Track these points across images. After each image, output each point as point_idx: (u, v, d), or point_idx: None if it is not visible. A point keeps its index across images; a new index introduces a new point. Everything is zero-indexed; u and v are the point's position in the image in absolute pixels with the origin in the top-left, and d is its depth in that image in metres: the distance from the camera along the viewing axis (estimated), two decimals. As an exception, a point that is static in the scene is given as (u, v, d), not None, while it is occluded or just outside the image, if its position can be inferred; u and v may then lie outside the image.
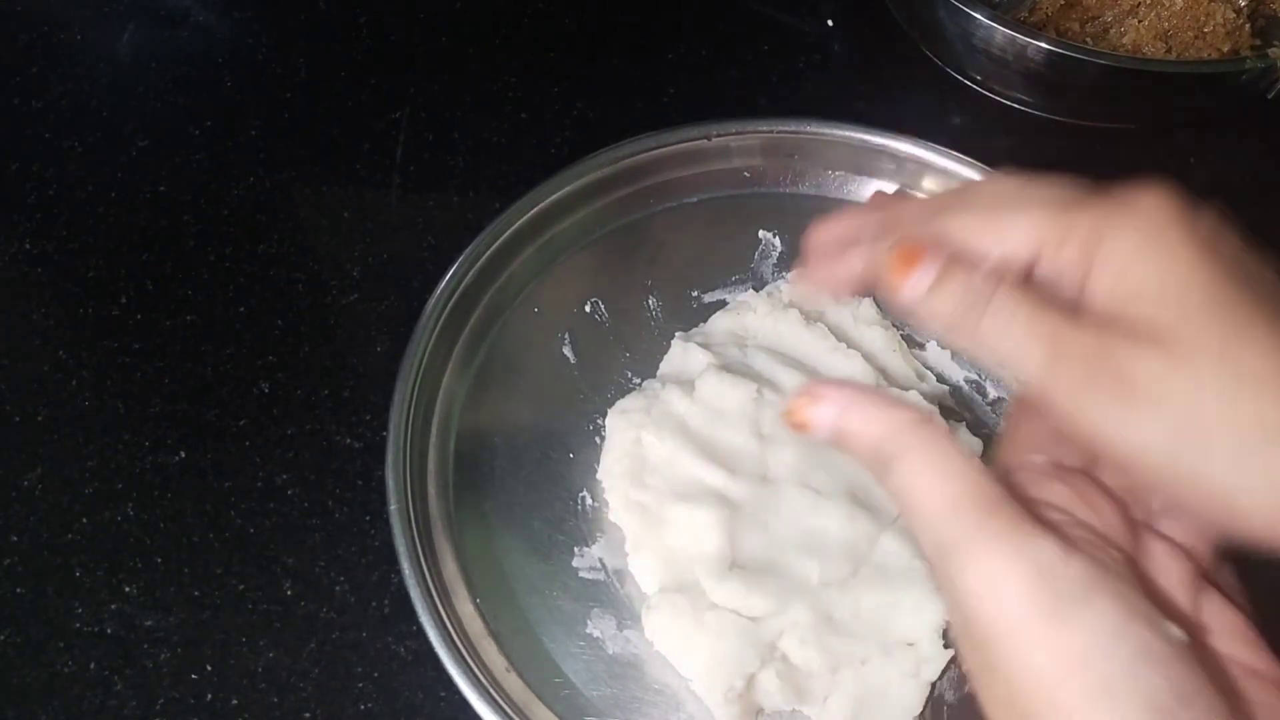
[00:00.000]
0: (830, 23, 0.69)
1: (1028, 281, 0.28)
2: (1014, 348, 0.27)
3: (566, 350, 0.54)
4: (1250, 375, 0.25)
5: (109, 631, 0.50)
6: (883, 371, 0.51)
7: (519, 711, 0.44)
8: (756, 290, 0.56)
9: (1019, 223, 0.28)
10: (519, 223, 0.55)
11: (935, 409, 0.50)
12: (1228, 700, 0.24)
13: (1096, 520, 0.28)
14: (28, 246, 0.60)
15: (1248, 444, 0.25)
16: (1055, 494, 0.28)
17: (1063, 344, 0.26)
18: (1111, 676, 0.23)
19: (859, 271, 0.32)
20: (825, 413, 0.28)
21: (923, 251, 0.29)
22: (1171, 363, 0.25)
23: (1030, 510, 0.26)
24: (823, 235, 0.34)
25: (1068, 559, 0.24)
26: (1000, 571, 0.24)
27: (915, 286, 0.29)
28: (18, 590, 0.51)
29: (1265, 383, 0.25)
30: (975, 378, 0.54)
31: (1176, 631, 0.24)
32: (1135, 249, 0.26)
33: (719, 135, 0.57)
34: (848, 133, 0.57)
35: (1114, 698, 0.23)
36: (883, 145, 0.56)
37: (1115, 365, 0.26)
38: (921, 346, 0.55)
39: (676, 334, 0.54)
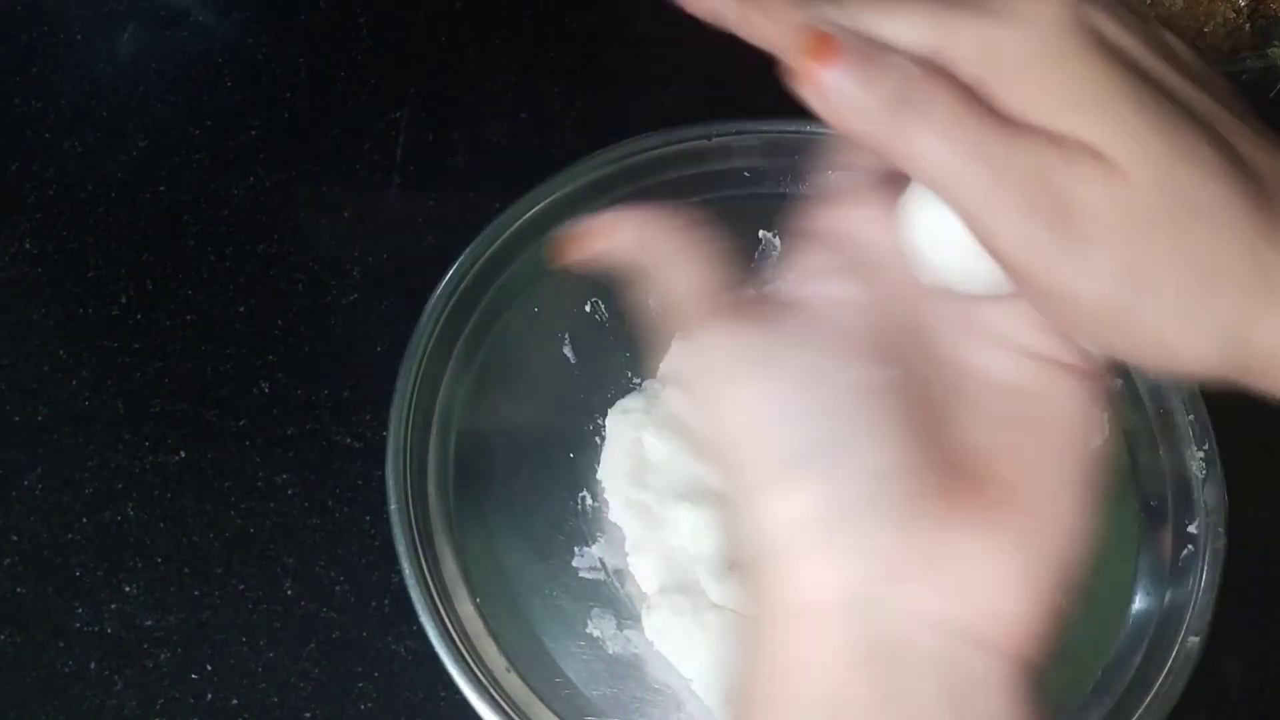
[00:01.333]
0: (830, 23, 0.68)
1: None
2: (949, 161, 0.23)
3: (566, 350, 0.54)
4: (1199, 209, 0.23)
5: (109, 631, 0.50)
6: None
7: (519, 711, 0.44)
8: (757, 290, 0.56)
9: (897, 23, 0.25)
10: (519, 223, 0.55)
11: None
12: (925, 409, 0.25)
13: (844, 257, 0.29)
14: (28, 246, 0.60)
15: (1197, 291, 0.23)
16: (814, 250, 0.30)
17: (1000, 159, 0.23)
18: (783, 431, 0.24)
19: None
20: (590, 245, 0.29)
21: (836, 42, 0.25)
22: (1113, 191, 0.23)
23: (747, 295, 0.28)
24: None
25: (754, 331, 0.26)
26: (709, 345, 0.27)
27: (833, 80, 0.24)
28: (18, 590, 0.51)
29: (1215, 219, 0.23)
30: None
31: (875, 374, 0.25)
32: (1039, 66, 0.23)
33: (719, 135, 0.57)
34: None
35: (784, 447, 0.24)
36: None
37: (1055, 190, 0.23)
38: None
39: (677, 334, 0.54)
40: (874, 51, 0.24)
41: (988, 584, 0.24)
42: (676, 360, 0.53)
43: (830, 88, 0.24)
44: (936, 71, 0.24)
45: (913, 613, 0.23)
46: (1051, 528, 0.25)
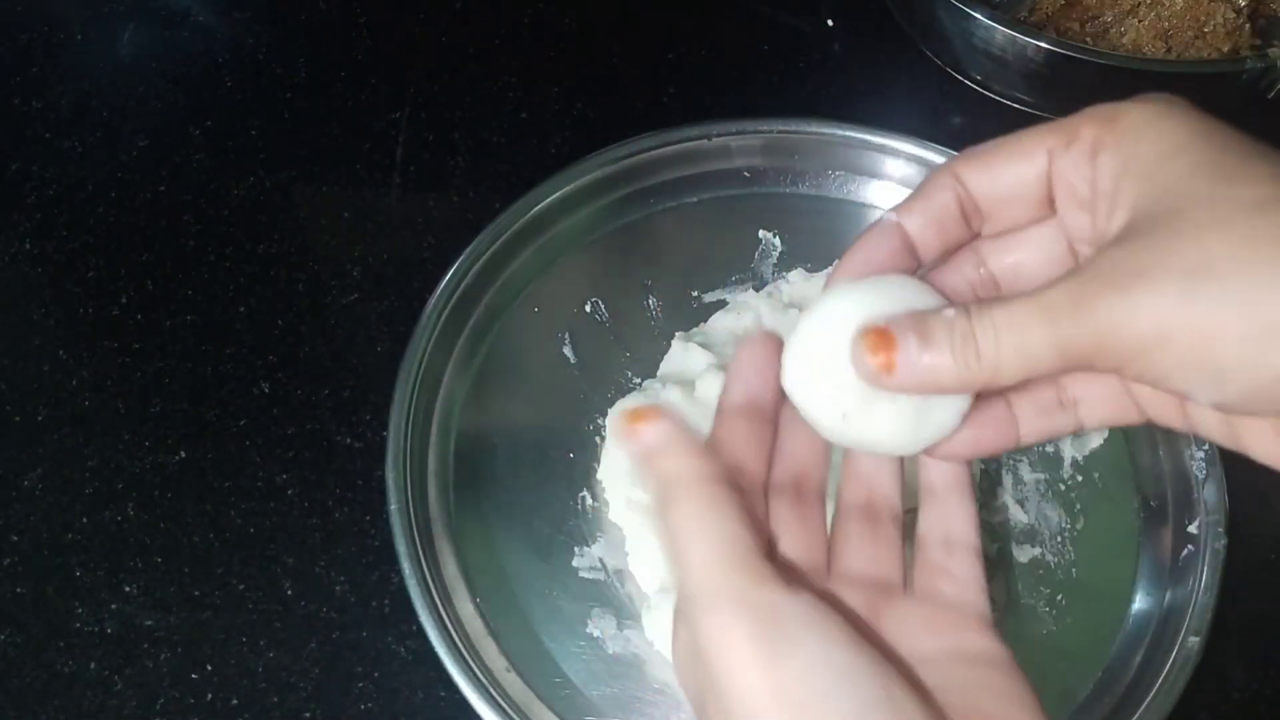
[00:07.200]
0: (830, 23, 0.69)
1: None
2: (1022, 355, 0.27)
3: (566, 350, 0.54)
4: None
5: (109, 631, 0.50)
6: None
7: (519, 711, 0.44)
8: (756, 290, 0.56)
9: (1025, 142, 0.30)
10: (519, 223, 0.55)
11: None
12: (923, 698, 0.27)
13: (796, 548, 0.31)
14: (28, 246, 0.60)
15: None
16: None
17: (1058, 318, 0.27)
18: (809, 699, 0.25)
19: None
20: (646, 436, 0.30)
21: (890, 336, 0.28)
22: (1187, 289, 0.25)
23: (771, 560, 0.28)
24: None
25: (785, 604, 0.27)
26: (729, 625, 0.26)
27: (905, 366, 0.28)
28: (18, 590, 0.51)
29: None
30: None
31: (869, 655, 0.27)
32: (1139, 130, 0.29)
33: (719, 135, 0.57)
34: (847, 132, 0.57)
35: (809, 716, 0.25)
36: (882, 145, 0.56)
37: (1110, 324, 0.26)
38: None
39: (676, 334, 0.54)
40: (917, 319, 0.29)
41: None
42: (676, 361, 0.53)
43: (906, 376, 0.29)
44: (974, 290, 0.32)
45: None
46: None
